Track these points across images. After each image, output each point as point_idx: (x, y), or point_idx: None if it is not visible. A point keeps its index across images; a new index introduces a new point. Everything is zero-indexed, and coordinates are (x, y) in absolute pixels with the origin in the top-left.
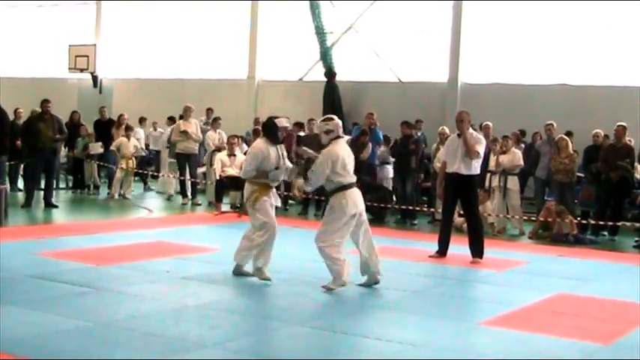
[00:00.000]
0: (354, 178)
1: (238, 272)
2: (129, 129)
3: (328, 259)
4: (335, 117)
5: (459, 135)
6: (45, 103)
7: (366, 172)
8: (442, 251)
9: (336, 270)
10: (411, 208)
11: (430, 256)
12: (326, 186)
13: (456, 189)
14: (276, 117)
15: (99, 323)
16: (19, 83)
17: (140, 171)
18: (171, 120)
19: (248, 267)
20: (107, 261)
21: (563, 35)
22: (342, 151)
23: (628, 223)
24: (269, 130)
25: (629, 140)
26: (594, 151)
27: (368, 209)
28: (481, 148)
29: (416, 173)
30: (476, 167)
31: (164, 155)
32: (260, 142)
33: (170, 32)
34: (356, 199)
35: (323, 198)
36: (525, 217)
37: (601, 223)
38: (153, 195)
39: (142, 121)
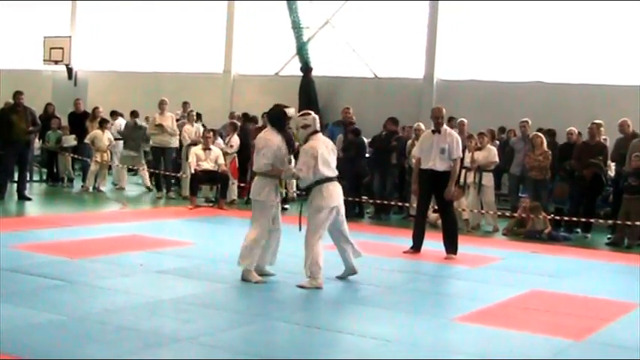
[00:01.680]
0: (334, 173)
1: (260, 273)
2: (104, 122)
3: (311, 258)
4: (312, 112)
5: (433, 131)
6: (18, 95)
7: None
8: (416, 247)
9: (315, 271)
10: (386, 202)
11: (405, 252)
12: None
13: (430, 185)
14: (285, 106)
15: (73, 317)
16: None
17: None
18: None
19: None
20: (81, 254)
21: (539, 33)
22: (321, 145)
23: (601, 220)
24: (279, 119)
25: (604, 139)
26: (568, 149)
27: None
28: (459, 149)
29: (396, 169)
30: (451, 163)
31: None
32: (271, 134)
33: (146, 25)
34: (333, 193)
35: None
36: (499, 214)
37: (574, 219)
38: (127, 188)
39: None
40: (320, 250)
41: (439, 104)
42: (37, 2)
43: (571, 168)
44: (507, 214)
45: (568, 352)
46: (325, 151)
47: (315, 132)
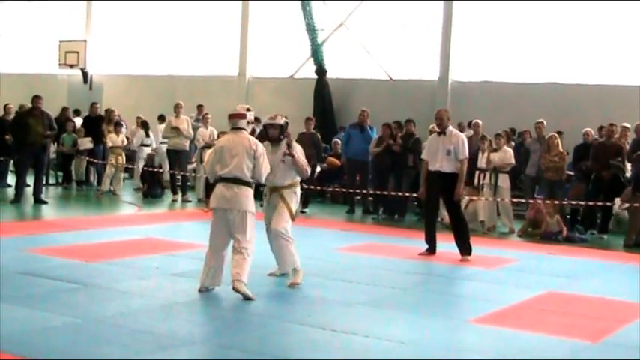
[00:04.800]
0: (228, 174)
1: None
2: (118, 125)
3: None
4: (240, 107)
5: (439, 133)
6: (36, 99)
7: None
8: (431, 249)
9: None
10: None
11: (420, 254)
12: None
13: (439, 187)
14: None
15: (88, 319)
16: (9, 79)
17: (130, 167)
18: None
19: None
20: (96, 257)
21: (553, 34)
22: (226, 142)
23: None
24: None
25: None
26: (584, 150)
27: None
28: (465, 150)
29: (412, 171)
30: (458, 165)
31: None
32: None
33: (161, 28)
34: (217, 194)
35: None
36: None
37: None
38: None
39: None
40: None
41: (454, 106)
42: (53, 6)
43: (587, 169)
44: (523, 214)
45: (584, 354)
46: (228, 149)
47: (235, 129)
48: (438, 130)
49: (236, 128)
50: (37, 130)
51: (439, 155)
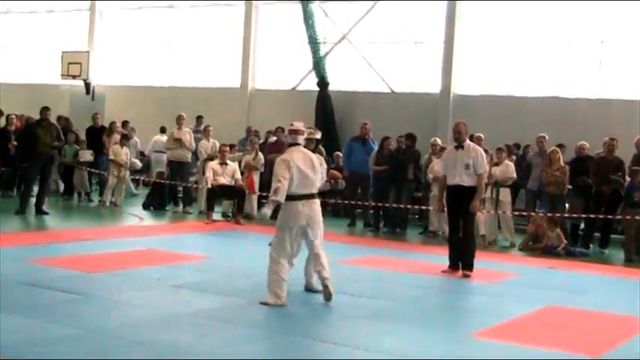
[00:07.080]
0: (307, 190)
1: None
2: (123, 137)
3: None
4: (297, 123)
5: (456, 147)
6: (45, 110)
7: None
8: (454, 265)
9: (270, 290)
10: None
11: (443, 272)
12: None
13: (459, 200)
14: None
15: (89, 330)
16: (12, 89)
17: (134, 177)
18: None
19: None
20: (98, 268)
21: (555, 47)
22: (298, 158)
23: (618, 236)
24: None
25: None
26: (579, 163)
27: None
28: (484, 163)
29: (412, 184)
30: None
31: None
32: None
33: (163, 40)
34: (302, 211)
35: None
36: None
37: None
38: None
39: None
40: (277, 268)
41: (456, 119)
42: (56, 17)
43: (584, 184)
44: (524, 228)
45: None
46: (301, 166)
47: (295, 144)
48: (455, 144)
49: (297, 144)
50: (46, 140)
51: (457, 169)
